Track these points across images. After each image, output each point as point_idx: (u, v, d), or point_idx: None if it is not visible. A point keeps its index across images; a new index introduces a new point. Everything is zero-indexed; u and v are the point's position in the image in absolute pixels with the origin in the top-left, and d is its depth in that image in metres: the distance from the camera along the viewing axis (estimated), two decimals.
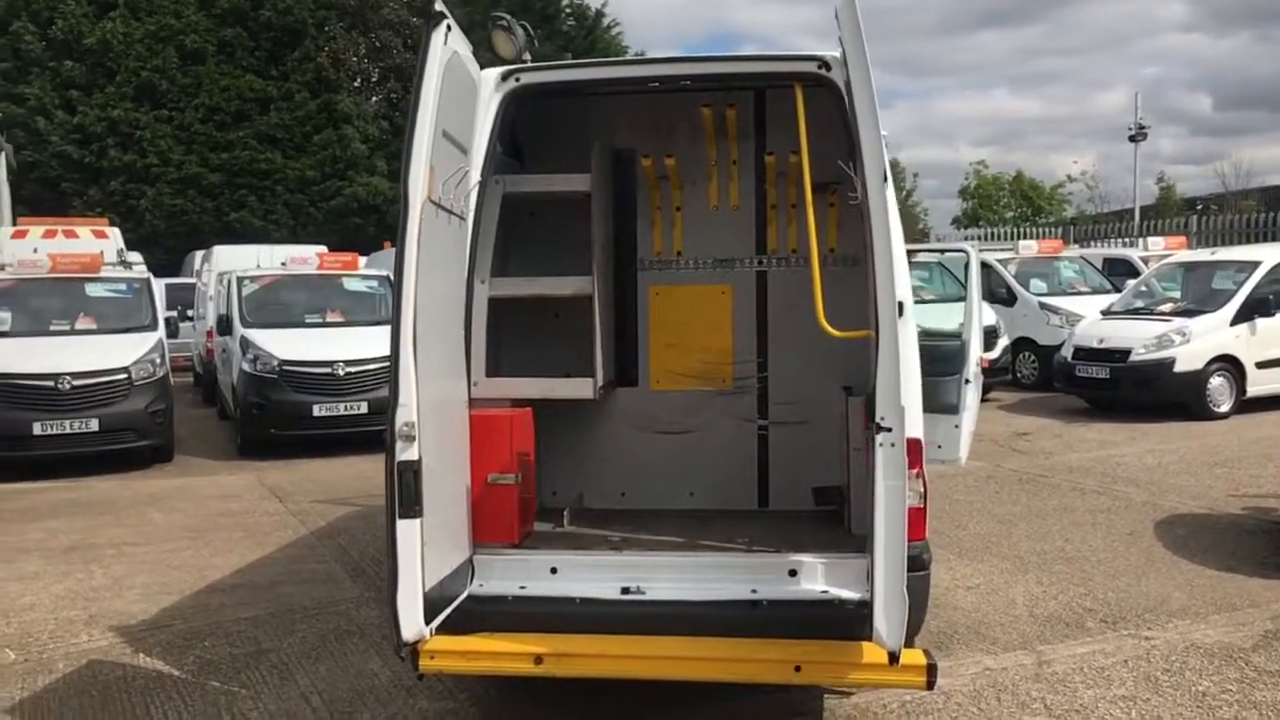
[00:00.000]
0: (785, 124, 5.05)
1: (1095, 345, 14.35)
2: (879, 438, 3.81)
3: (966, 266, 8.95)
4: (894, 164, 39.30)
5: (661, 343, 5.95)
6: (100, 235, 16.50)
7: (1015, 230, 36.13)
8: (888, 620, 3.79)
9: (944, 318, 15.31)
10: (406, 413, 3.90)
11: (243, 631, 6.26)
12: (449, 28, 4.01)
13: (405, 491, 3.89)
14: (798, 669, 4.26)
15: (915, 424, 4.48)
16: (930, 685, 4.27)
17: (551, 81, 5.12)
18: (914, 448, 4.46)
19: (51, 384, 11.40)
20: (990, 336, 16.22)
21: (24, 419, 11.26)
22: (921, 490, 4.54)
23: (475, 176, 4.78)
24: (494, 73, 4.96)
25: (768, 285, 5.90)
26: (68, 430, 11.39)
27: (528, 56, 4.98)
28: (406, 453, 3.90)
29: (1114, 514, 8.82)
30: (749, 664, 4.33)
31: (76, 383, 11.47)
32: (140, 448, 11.99)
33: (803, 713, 5.00)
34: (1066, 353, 14.80)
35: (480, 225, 5.00)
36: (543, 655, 4.35)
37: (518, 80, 4.97)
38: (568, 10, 39.09)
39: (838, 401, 5.47)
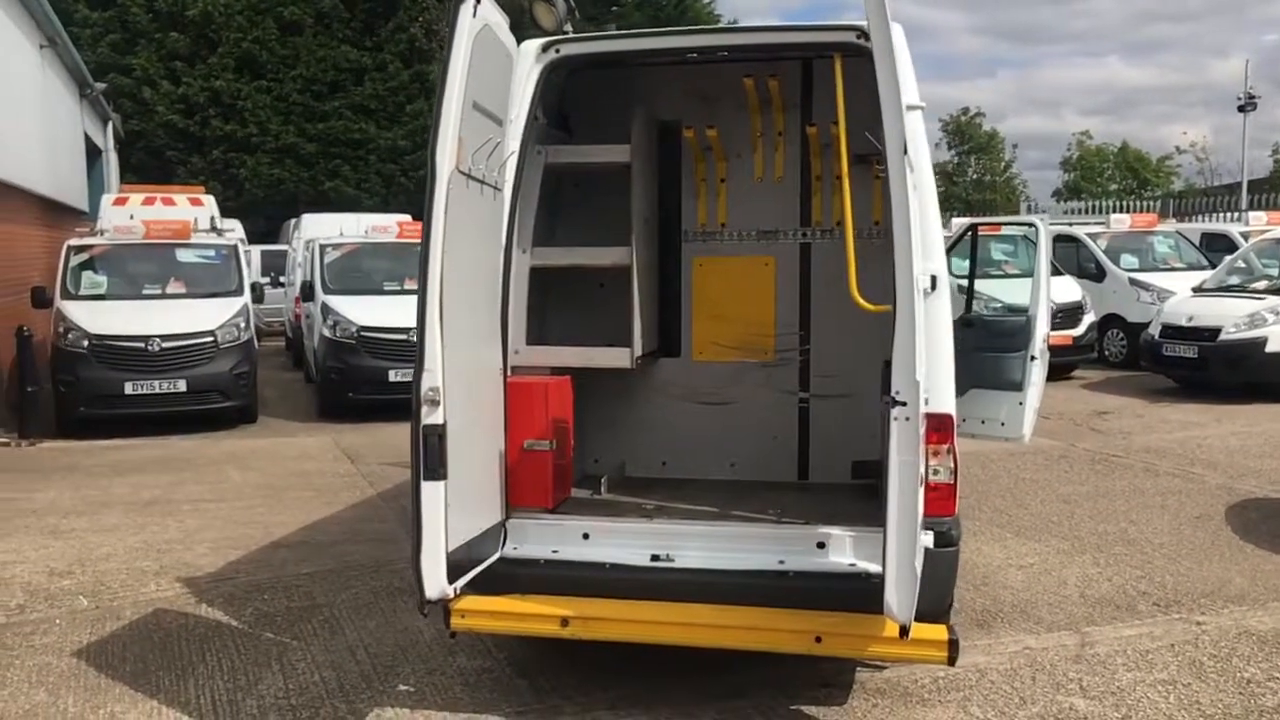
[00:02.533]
0: (830, 95, 5.01)
1: (1184, 323, 13.91)
2: (893, 412, 3.80)
3: (1035, 240, 8.80)
4: (991, 134, 38.04)
5: (704, 314, 5.98)
6: (196, 203, 17.05)
7: (1118, 203, 35.06)
8: (898, 594, 3.80)
9: (1026, 292, 14.97)
10: (432, 378, 4.00)
11: (301, 586, 6.50)
12: (478, 0, 4.07)
13: (430, 454, 4.00)
14: (818, 640, 4.29)
15: (944, 399, 4.45)
16: (952, 661, 4.27)
17: (591, 53, 5.16)
18: (944, 423, 4.43)
19: (142, 345, 11.88)
20: (1075, 312, 15.89)
21: (116, 378, 11.77)
22: (951, 466, 4.49)
23: (513, 147, 4.84)
24: (534, 44, 5.01)
25: (811, 257, 5.88)
26: (157, 390, 11.88)
27: (569, 28, 5.02)
28: (431, 417, 4.00)
29: (1185, 497, 8.60)
30: (770, 633, 4.37)
31: (165, 344, 11.94)
32: (225, 408, 12.43)
33: (834, 684, 5.02)
34: (1154, 330, 14.39)
35: (521, 195, 5.08)
36: (569, 618, 4.47)
37: (558, 51, 5.02)
38: None
39: (879, 375, 5.43)
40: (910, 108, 4.49)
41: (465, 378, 4.28)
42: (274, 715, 4.78)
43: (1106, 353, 17.05)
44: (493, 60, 4.36)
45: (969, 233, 9.50)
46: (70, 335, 11.84)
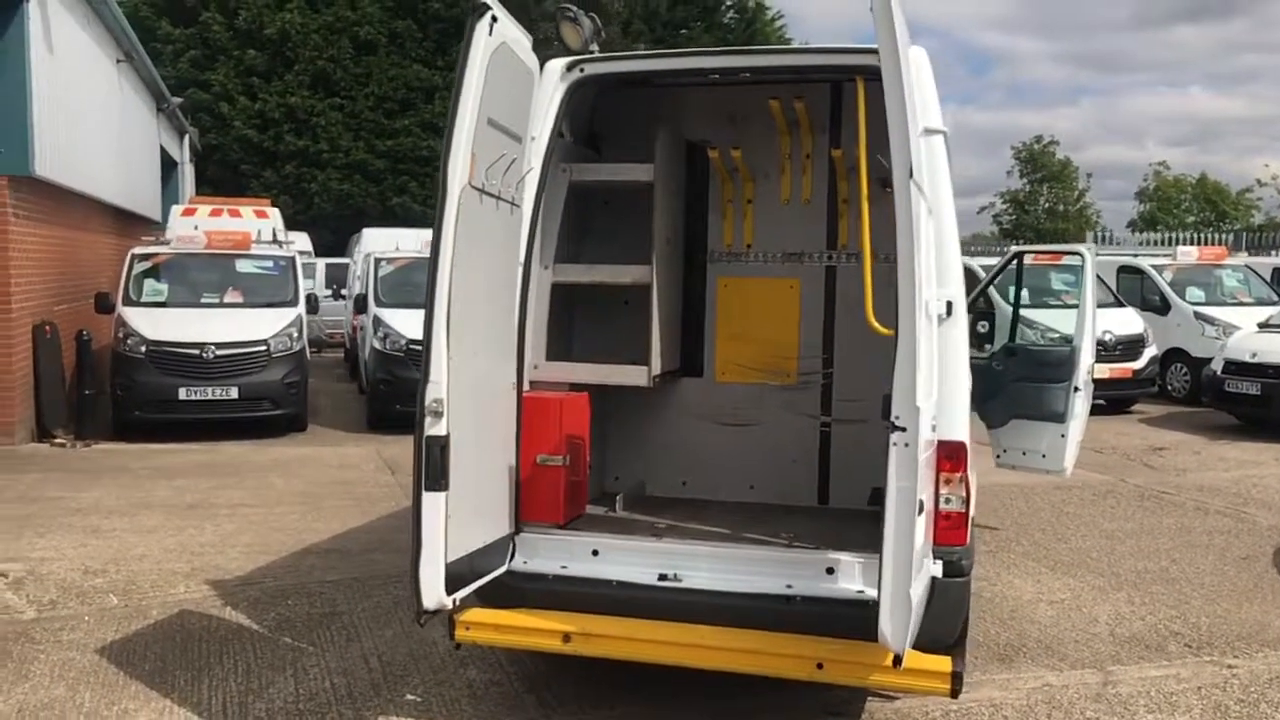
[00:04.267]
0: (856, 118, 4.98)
1: (1247, 359, 13.52)
2: (893, 437, 3.75)
3: (1081, 269, 8.64)
4: (1064, 162, 37.08)
5: (728, 335, 5.96)
6: (262, 215, 17.39)
7: (1196, 236, 34.27)
8: (892, 622, 3.73)
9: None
10: (436, 390, 4.05)
11: (325, 593, 6.58)
12: (494, 19, 4.12)
13: (432, 465, 4.03)
14: (820, 666, 4.24)
15: (958, 427, 4.39)
16: (954, 694, 4.19)
17: (615, 72, 5.20)
18: (956, 451, 4.37)
19: (198, 352, 12.14)
20: (1137, 345, 15.57)
21: (172, 384, 12.05)
22: (964, 495, 4.42)
23: (535, 164, 4.89)
24: (559, 63, 5.06)
25: (836, 281, 5.83)
26: (210, 397, 12.13)
27: (594, 47, 5.06)
28: (435, 428, 4.05)
29: (1234, 536, 8.36)
30: (772, 658, 4.33)
31: (220, 352, 12.19)
32: (276, 416, 12.64)
33: (843, 712, 4.96)
34: (1216, 366, 14.02)
35: (544, 212, 5.12)
36: (571, 634, 4.47)
37: (582, 71, 5.06)
38: (729, 3, 38.94)
39: None
40: (929, 131, 4.47)
41: (473, 391, 4.31)
42: (281, 719, 4.83)
43: (1169, 387, 16.67)
44: (511, 78, 4.41)
45: (1014, 261, 9.39)
46: (129, 340, 12.15)
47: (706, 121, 5.87)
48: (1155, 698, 5.19)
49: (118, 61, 17.03)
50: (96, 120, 15.34)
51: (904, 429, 3.73)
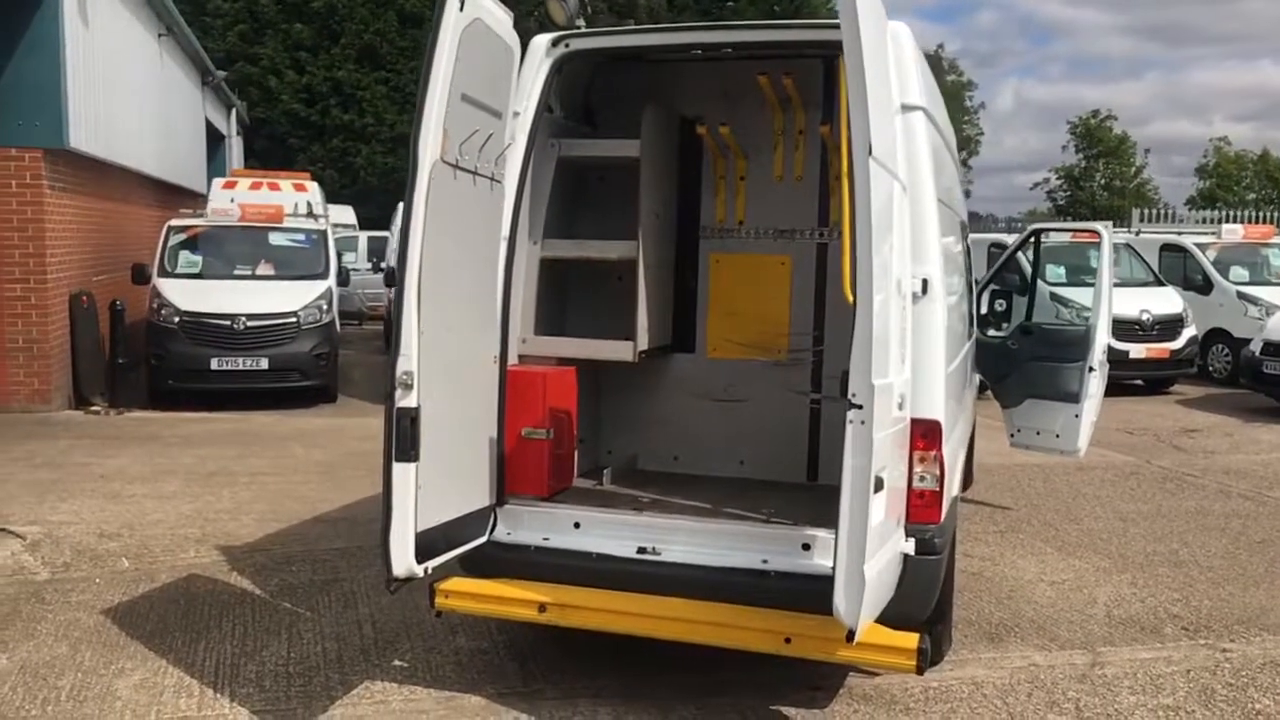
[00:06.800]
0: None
1: None
2: (849, 414, 3.75)
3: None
4: (1121, 138, 36.24)
5: (719, 311, 5.97)
6: (300, 189, 17.54)
7: (1256, 214, 33.46)
8: (846, 597, 3.75)
9: (1125, 303, 14.52)
10: (406, 362, 4.11)
11: (329, 560, 6.72)
12: None
13: (402, 436, 4.10)
14: (788, 641, 4.27)
15: (933, 406, 4.38)
16: (920, 670, 4.20)
17: (600, 48, 5.21)
18: (931, 430, 4.37)
19: (229, 324, 12.36)
20: (1175, 325, 15.32)
21: (204, 354, 12.28)
22: (938, 474, 4.41)
23: (520, 139, 4.92)
24: (544, 39, 5.09)
25: (828, 258, 5.81)
26: (240, 367, 12.34)
27: (581, 22, 5.08)
28: (405, 400, 4.11)
29: (1252, 520, 8.23)
30: (741, 631, 4.37)
31: (251, 324, 12.40)
32: (306, 387, 12.83)
33: (822, 687, 4.97)
34: (1255, 347, 13.74)
35: (532, 187, 5.16)
36: (547, 604, 4.54)
37: (567, 46, 5.08)
38: None
39: None
40: (907, 108, 4.45)
41: (449, 364, 4.37)
42: (269, 680, 4.96)
43: (1210, 368, 16.37)
44: (486, 54, 4.43)
45: (1032, 239, 9.28)
46: (163, 311, 12.41)
47: (702, 98, 5.86)
48: (1141, 680, 5.15)
49: (159, 36, 17.28)
50: (136, 94, 15.58)
51: (860, 406, 3.73)
